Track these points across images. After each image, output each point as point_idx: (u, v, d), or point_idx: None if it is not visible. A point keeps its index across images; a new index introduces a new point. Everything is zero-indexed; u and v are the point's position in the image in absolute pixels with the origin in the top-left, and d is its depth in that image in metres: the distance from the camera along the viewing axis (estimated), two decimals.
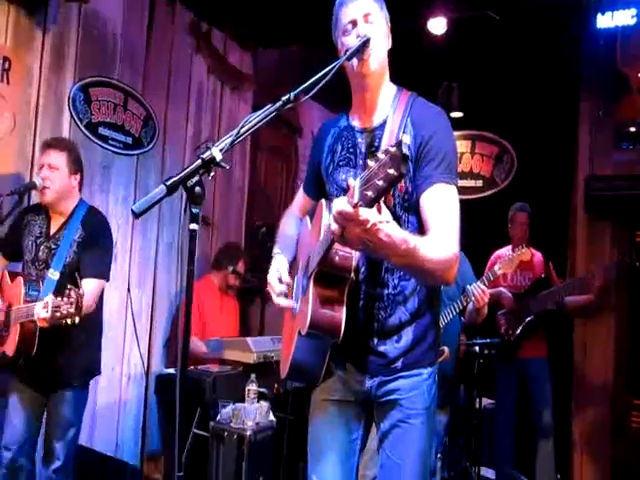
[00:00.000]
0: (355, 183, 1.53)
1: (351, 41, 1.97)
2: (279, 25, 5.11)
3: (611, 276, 4.80)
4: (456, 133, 6.99)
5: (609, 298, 4.90)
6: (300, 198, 2.39)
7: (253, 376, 3.68)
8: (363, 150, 2.04)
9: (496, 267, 3.91)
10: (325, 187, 2.17)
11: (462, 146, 6.79)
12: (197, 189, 1.70)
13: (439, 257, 1.80)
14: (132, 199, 4.35)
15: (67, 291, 2.66)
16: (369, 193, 1.50)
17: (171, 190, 1.69)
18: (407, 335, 2.02)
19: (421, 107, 2.02)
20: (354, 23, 1.98)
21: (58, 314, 2.64)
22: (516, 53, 5.37)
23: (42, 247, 3.10)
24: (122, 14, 4.29)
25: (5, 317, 3.05)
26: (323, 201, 2.03)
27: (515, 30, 5.04)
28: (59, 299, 2.66)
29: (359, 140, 2.06)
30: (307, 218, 2.27)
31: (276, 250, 2.27)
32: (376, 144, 2.00)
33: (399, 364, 2.02)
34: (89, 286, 3.00)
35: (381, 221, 1.57)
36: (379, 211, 1.57)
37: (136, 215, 1.68)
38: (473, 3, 4.81)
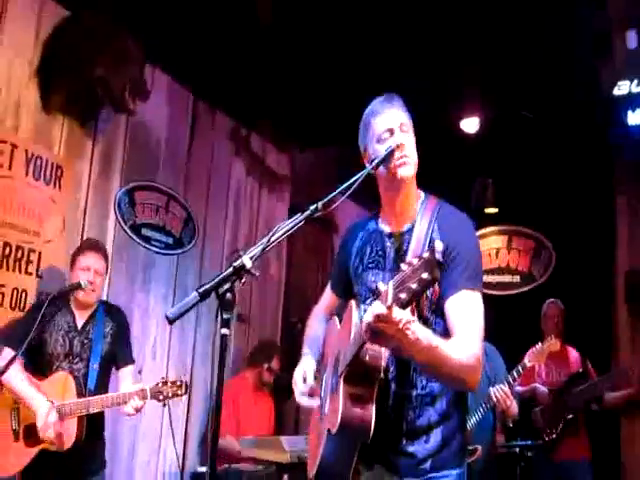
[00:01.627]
0: (388, 286, 1.60)
1: (392, 142, 2.03)
2: (315, 127, 5.36)
3: None
4: (492, 228, 7.12)
5: None
6: (327, 297, 2.44)
7: (286, 477, 3.62)
8: (392, 254, 2.09)
9: (525, 360, 3.84)
10: (353, 287, 2.21)
11: (498, 241, 6.82)
12: (228, 295, 1.77)
13: (461, 359, 1.83)
14: (171, 298, 4.47)
15: (167, 379, 3.01)
16: (403, 295, 1.57)
17: (203, 297, 1.77)
18: (436, 436, 2.00)
19: (448, 213, 2.08)
20: (391, 132, 2.05)
21: (161, 397, 2.95)
22: (550, 149, 5.48)
23: (75, 341, 3.21)
24: (166, 122, 4.58)
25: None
26: (353, 302, 2.09)
27: (548, 127, 5.16)
28: (160, 385, 2.97)
29: (387, 244, 2.11)
30: (335, 318, 2.31)
31: (305, 350, 2.33)
32: (404, 248, 2.05)
33: (428, 465, 1.99)
34: (129, 373, 3.29)
35: (409, 320, 1.64)
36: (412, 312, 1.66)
37: (170, 321, 1.76)
38: (504, 103, 4.98)
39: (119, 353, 3.29)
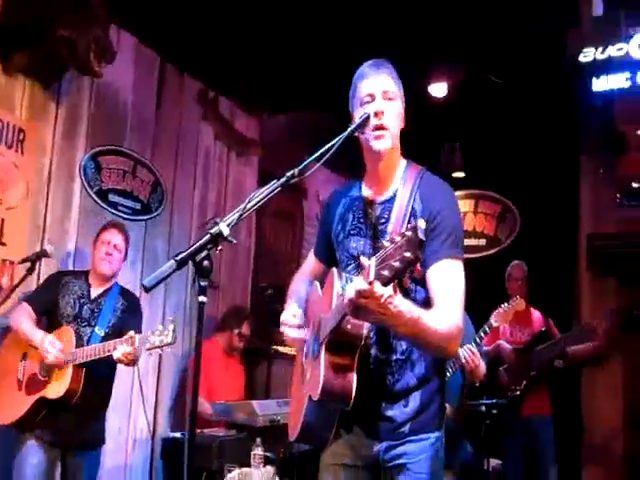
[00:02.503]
0: (370, 262, 1.62)
1: (370, 109, 2.03)
2: (285, 91, 5.28)
3: (614, 322, 4.81)
4: (459, 192, 7.20)
5: (615, 345, 4.89)
6: (311, 261, 2.44)
7: (259, 440, 3.65)
8: (373, 220, 2.11)
9: (492, 319, 3.92)
10: (335, 253, 2.24)
11: (465, 205, 6.89)
12: (205, 263, 1.77)
13: (442, 329, 1.86)
14: (140, 264, 4.43)
15: (154, 329, 3.03)
16: (385, 272, 1.60)
17: (181, 265, 1.75)
18: (414, 400, 2.05)
19: (430, 182, 2.10)
20: (372, 97, 2.05)
21: (148, 345, 2.98)
22: (516, 114, 5.53)
23: (85, 307, 3.39)
24: (133, 84, 4.48)
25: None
26: (334, 270, 2.08)
27: (515, 92, 5.20)
28: (148, 333, 3.01)
29: (369, 211, 2.12)
30: (317, 283, 2.31)
31: (289, 302, 2.32)
32: (385, 216, 2.07)
33: (406, 429, 2.03)
34: None
35: (391, 295, 1.66)
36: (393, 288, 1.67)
37: (147, 289, 1.74)
38: (473, 68, 4.99)
39: (127, 325, 3.35)
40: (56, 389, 3.14)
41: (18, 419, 3.16)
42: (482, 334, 3.77)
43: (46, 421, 3.17)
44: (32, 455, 3.18)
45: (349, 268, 2.12)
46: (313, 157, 1.99)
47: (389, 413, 2.04)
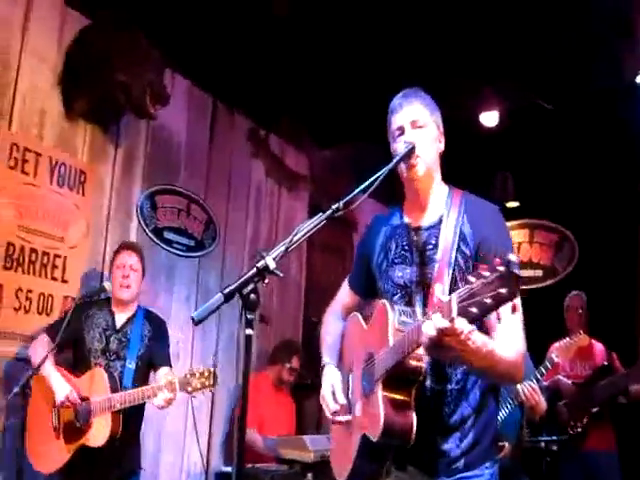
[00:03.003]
0: (451, 298, 1.57)
1: (399, 148, 2.05)
2: (332, 125, 5.36)
3: None
4: (513, 222, 7.07)
5: None
6: (344, 295, 2.40)
7: (310, 475, 3.64)
8: (420, 247, 2.07)
9: (553, 355, 3.81)
10: (377, 284, 2.19)
11: (520, 235, 6.77)
12: (252, 296, 1.79)
13: (510, 358, 1.83)
14: (194, 299, 4.52)
15: (195, 370, 3.00)
16: (473, 309, 1.52)
17: (228, 298, 1.78)
18: (469, 432, 1.99)
19: (476, 204, 2.08)
20: (402, 130, 2.07)
21: (189, 389, 2.95)
22: (571, 139, 5.40)
23: (112, 339, 3.31)
24: (186, 125, 4.63)
25: (83, 409, 3.12)
26: (386, 302, 2.00)
27: (568, 117, 5.09)
28: (188, 376, 2.97)
29: (414, 238, 2.09)
30: (357, 315, 2.27)
31: (325, 359, 2.28)
32: (433, 242, 2.04)
33: (461, 464, 1.97)
34: (166, 372, 3.31)
35: (471, 330, 1.62)
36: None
37: (195, 322, 1.77)
38: (523, 95, 4.93)
39: (157, 355, 3.37)
40: (97, 437, 3.06)
41: (60, 468, 3.10)
42: (543, 370, 3.66)
43: (86, 466, 3.10)
44: None
45: (395, 298, 2.08)
46: (359, 189, 2.00)
47: (444, 447, 1.97)
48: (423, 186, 2.09)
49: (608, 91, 4.68)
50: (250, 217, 5.12)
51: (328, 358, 2.29)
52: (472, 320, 1.56)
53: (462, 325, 1.57)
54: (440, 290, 1.92)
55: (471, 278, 1.53)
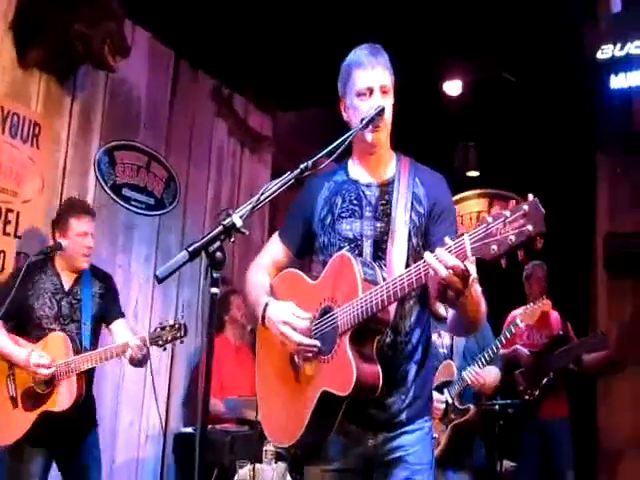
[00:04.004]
0: (464, 239, 1.60)
1: (365, 108, 2.04)
2: (297, 88, 5.29)
3: (630, 330, 4.75)
4: (473, 192, 7.12)
5: (629, 353, 4.83)
6: (275, 251, 2.27)
7: None
8: (372, 202, 2.09)
9: (517, 320, 3.88)
10: (317, 240, 2.16)
11: (479, 204, 6.84)
12: (218, 254, 1.75)
13: (484, 307, 1.89)
14: (153, 258, 4.44)
15: (165, 323, 2.95)
16: (494, 247, 1.52)
17: (193, 256, 1.73)
18: (412, 386, 2.02)
19: (425, 170, 2.16)
20: (371, 91, 2.05)
21: (160, 342, 2.92)
22: (532, 112, 5.47)
23: (63, 302, 3.17)
24: (147, 80, 4.49)
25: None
26: (348, 254, 1.97)
27: (531, 90, 5.15)
28: (159, 330, 2.93)
29: (367, 193, 2.11)
30: (296, 271, 2.17)
31: (264, 299, 2.10)
32: (387, 198, 2.08)
33: (403, 417, 2.00)
34: (123, 325, 3.29)
35: (475, 276, 1.67)
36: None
37: (159, 280, 1.73)
38: (487, 66, 4.95)
39: (109, 310, 3.28)
40: (61, 401, 2.98)
41: (20, 438, 2.97)
42: (507, 334, 3.72)
43: (47, 431, 3.00)
44: (30, 461, 3.03)
45: (344, 250, 2.02)
46: (325, 151, 1.99)
47: (389, 401, 1.99)
48: (379, 150, 2.11)
49: (570, 66, 4.73)
50: (212, 177, 5.02)
51: (267, 297, 2.10)
52: (493, 259, 1.53)
53: (472, 269, 1.62)
54: (399, 243, 1.99)
55: (489, 218, 1.54)
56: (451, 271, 1.63)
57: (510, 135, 5.90)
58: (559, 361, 4.56)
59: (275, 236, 2.31)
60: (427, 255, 1.68)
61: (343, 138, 2.00)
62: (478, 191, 6.82)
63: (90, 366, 2.99)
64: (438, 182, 2.13)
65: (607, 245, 5.19)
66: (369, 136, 2.06)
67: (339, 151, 1.99)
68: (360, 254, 2.04)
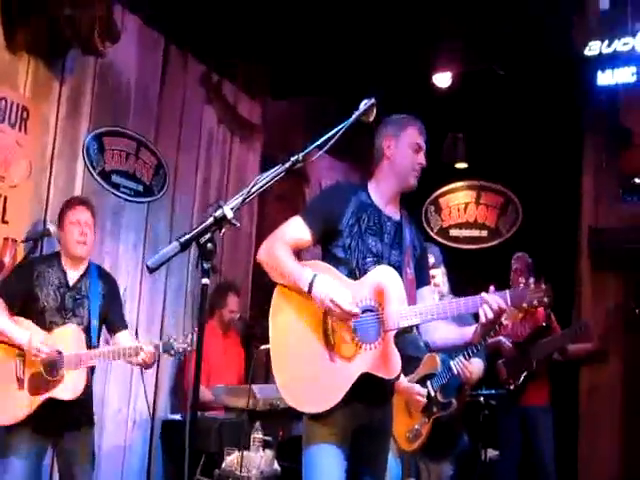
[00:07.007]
0: (506, 293, 2.30)
1: (421, 159, 2.48)
2: (288, 77, 5.28)
3: (613, 322, 4.82)
4: (461, 183, 7.19)
5: (613, 344, 4.90)
6: (299, 232, 2.42)
7: (258, 424, 3.68)
8: (392, 235, 2.46)
9: (502, 319, 3.91)
10: (342, 238, 2.39)
11: (467, 196, 6.88)
12: (209, 245, 1.77)
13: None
14: (142, 246, 4.43)
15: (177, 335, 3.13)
16: (524, 305, 2.33)
17: (184, 247, 1.76)
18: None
19: (412, 223, 2.62)
20: (421, 149, 2.49)
21: (172, 352, 3.09)
22: (521, 106, 5.52)
23: (67, 296, 3.21)
24: (136, 65, 4.44)
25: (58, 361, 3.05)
26: (392, 270, 2.36)
27: (519, 83, 5.19)
28: (172, 340, 3.09)
29: (387, 224, 2.46)
30: (326, 264, 2.40)
31: (311, 271, 2.29)
32: (399, 236, 2.48)
33: (389, 390, 2.46)
34: (128, 336, 3.37)
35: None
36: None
37: (150, 270, 1.74)
38: (477, 59, 4.96)
39: (114, 316, 3.35)
40: (69, 390, 3.04)
41: (21, 420, 3.00)
42: (492, 332, 3.76)
43: (48, 417, 3.04)
44: (22, 448, 3.05)
45: (367, 260, 2.38)
46: (317, 143, 2.02)
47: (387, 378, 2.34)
48: (402, 193, 2.52)
49: (558, 61, 4.76)
50: (201, 164, 5.00)
51: (312, 270, 2.30)
52: (516, 309, 2.35)
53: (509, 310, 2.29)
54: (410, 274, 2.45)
55: (522, 284, 2.32)
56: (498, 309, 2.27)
57: (498, 128, 5.96)
58: (542, 351, 4.61)
59: (298, 219, 2.44)
60: (489, 295, 2.29)
61: (334, 131, 2.10)
62: (466, 183, 6.87)
63: (100, 362, 3.11)
64: (420, 236, 2.62)
65: (591, 239, 5.25)
66: (413, 180, 2.46)
67: (330, 144, 2.03)
68: None
